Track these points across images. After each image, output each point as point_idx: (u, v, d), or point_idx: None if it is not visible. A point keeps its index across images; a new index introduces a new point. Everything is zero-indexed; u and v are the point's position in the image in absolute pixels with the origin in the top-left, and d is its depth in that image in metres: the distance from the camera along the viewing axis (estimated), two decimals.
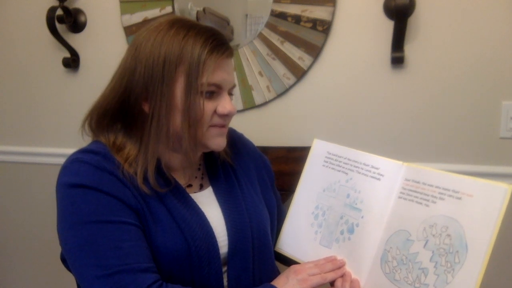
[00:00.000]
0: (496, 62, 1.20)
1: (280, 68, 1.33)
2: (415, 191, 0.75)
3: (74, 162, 0.73)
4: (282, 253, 0.90)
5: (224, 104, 0.77)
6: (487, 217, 0.66)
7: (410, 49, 1.24)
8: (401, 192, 0.76)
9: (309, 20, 1.28)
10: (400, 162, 0.79)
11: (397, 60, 1.24)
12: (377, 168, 0.81)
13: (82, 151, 0.75)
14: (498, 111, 1.22)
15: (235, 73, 1.37)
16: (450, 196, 0.71)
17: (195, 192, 0.84)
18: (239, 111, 1.39)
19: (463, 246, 0.67)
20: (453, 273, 0.67)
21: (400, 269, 0.72)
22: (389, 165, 0.80)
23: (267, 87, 1.36)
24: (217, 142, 0.79)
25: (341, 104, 1.32)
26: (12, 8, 1.56)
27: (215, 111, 0.76)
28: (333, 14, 1.27)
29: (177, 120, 0.74)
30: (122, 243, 0.68)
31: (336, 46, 1.30)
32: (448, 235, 0.69)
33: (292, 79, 1.33)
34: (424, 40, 1.24)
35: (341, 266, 0.79)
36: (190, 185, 0.84)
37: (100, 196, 0.70)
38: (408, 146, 1.29)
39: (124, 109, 0.77)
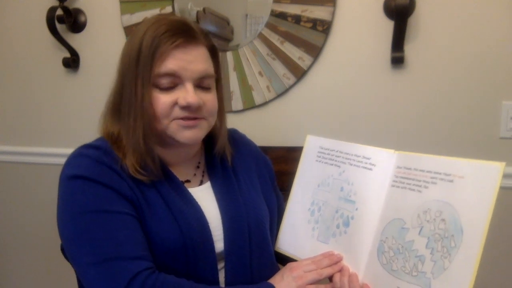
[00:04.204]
0: (496, 62, 1.20)
1: (280, 68, 1.33)
2: (407, 178, 0.73)
3: (76, 156, 0.77)
4: (282, 252, 0.90)
5: (184, 95, 0.74)
6: (481, 198, 0.65)
7: (410, 49, 1.24)
8: (393, 181, 0.75)
9: (309, 20, 1.28)
10: (392, 150, 0.78)
11: (397, 60, 1.24)
12: (368, 158, 0.80)
13: (85, 146, 0.79)
14: (498, 111, 1.22)
15: (235, 73, 1.37)
16: (441, 179, 0.69)
17: (193, 187, 0.84)
18: (239, 111, 1.40)
19: (458, 229, 0.66)
20: (450, 258, 0.65)
21: (397, 259, 0.71)
22: (380, 154, 0.79)
23: (267, 87, 1.36)
24: (185, 135, 0.77)
25: (341, 104, 1.32)
26: (12, 8, 1.56)
27: (177, 103, 0.75)
28: (333, 14, 1.27)
29: (139, 113, 0.75)
30: (117, 232, 0.70)
31: (336, 46, 1.30)
32: (443, 220, 0.67)
33: (292, 79, 1.33)
34: (424, 40, 1.24)
35: (338, 261, 0.79)
36: (188, 181, 0.85)
37: (98, 187, 0.72)
38: (408, 146, 1.29)
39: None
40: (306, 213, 0.87)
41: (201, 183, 0.87)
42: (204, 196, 0.84)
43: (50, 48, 1.53)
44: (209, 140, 0.89)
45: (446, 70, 1.23)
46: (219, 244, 0.80)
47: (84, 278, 0.71)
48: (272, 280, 0.79)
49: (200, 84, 0.78)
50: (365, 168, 0.80)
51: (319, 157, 0.88)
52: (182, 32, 0.74)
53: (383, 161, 0.78)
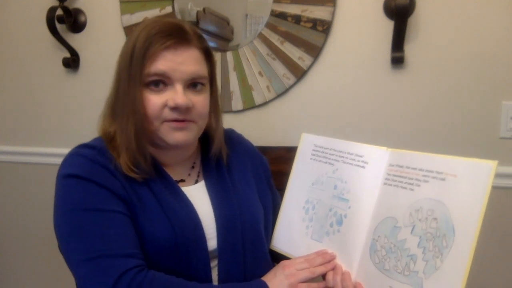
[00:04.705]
0: (496, 61, 1.20)
1: (280, 68, 1.33)
2: (400, 176, 0.73)
3: (72, 156, 0.78)
4: (277, 250, 0.90)
5: (173, 96, 0.75)
6: (473, 197, 0.64)
7: (410, 49, 1.24)
8: (386, 179, 0.75)
9: (309, 20, 1.28)
10: (384, 148, 0.78)
11: (397, 60, 1.24)
12: (361, 156, 0.80)
13: (81, 146, 0.80)
14: (498, 111, 1.22)
15: (235, 73, 1.37)
16: (434, 178, 0.69)
17: (187, 186, 0.85)
18: (239, 111, 1.39)
19: (449, 229, 0.65)
20: (442, 258, 0.65)
21: (389, 258, 0.71)
22: (373, 152, 0.79)
23: (267, 87, 1.36)
24: (174, 137, 0.77)
25: (341, 104, 1.32)
26: (12, 8, 1.56)
27: (166, 105, 0.76)
28: (333, 14, 1.27)
29: (130, 113, 0.76)
30: (108, 229, 0.71)
31: (336, 46, 1.30)
32: (435, 219, 0.67)
33: (292, 79, 1.33)
34: (424, 40, 1.24)
35: (331, 259, 0.79)
36: (183, 180, 0.86)
37: (91, 186, 0.74)
38: (408, 146, 1.27)
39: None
40: (300, 211, 0.87)
41: (196, 182, 0.87)
42: (198, 195, 0.84)
43: (50, 48, 1.53)
44: (205, 141, 0.90)
45: (446, 70, 1.23)
46: (212, 242, 0.80)
47: (75, 275, 0.72)
48: (265, 278, 0.80)
49: (191, 86, 0.78)
50: (358, 166, 0.79)
51: (314, 155, 0.88)
52: (173, 33, 0.75)
53: (376, 159, 0.78)
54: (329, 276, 0.77)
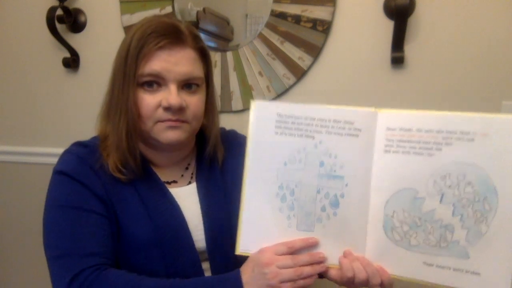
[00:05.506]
0: (496, 62, 1.20)
1: (280, 68, 1.33)
2: (409, 141, 0.65)
3: (66, 153, 0.81)
4: (247, 255, 0.74)
5: (167, 96, 0.74)
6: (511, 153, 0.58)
7: (410, 49, 1.24)
8: (386, 145, 0.65)
9: (309, 20, 1.28)
10: (373, 108, 0.67)
11: (397, 60, 1.24)
12: (351, 123, 0.67)
13: (76, 144, 0.83)
14: (498, 111, 1.22)
15: (235, 73, 1.37)
16: (458, 139, 0.62)
17: (177, 187, 0.85)
18: (239, 111, 1.39)
19: (491, 190, 0.59)
20: (487, 222, 0.59)
21: (416, 233, 0.64)
22: (364, 116, 0.67)
23: (267, 87, 1.36)
24: (167, 136, 0.77)
25: (341, 104, 1.32)
26: (12, 8, 1.56)
27: (160, 105, 0.75)
28: (333, 14, 1.27)
29: (123, 112, 0.76)
30: (80, 228, 0.73)
31: (336, 46, 1.30)
32: (469, 183, 0.61)
33: (292, 79, 1.33)
34: (424, 40, 1.24)
35: (320, 261, 0.69)
36: (175, 182, 0.86)
37: (73, 184, 0.75)
38: None
39: None
40: (274, 201, 0.70)
41: (189, 184, 0.87)
42: (188, 196, 0.84)
43: (50, 48, 1.53)
44: (202, 142, 0.90)
45: (446, 70, 1.23)
46: (201, 244, 0.80)
47: (49, 271, 0.73)
48: (242, 270, 0.71)
49: (185, 87, 0.78)
50: (350, 135, 0.67)
51: (279, 127, 0.70)
52: (168, 33, 0.74)
53: (369, 123, 0.67)
54: (347, 265, 0.67)
